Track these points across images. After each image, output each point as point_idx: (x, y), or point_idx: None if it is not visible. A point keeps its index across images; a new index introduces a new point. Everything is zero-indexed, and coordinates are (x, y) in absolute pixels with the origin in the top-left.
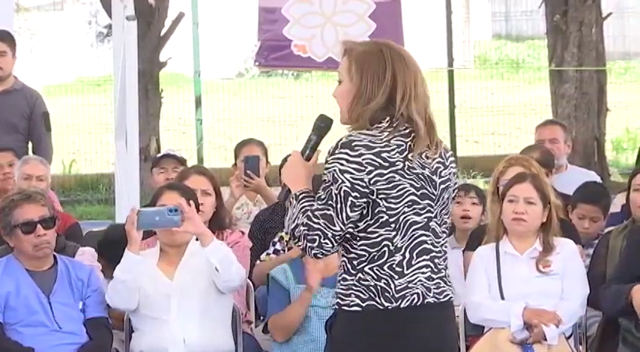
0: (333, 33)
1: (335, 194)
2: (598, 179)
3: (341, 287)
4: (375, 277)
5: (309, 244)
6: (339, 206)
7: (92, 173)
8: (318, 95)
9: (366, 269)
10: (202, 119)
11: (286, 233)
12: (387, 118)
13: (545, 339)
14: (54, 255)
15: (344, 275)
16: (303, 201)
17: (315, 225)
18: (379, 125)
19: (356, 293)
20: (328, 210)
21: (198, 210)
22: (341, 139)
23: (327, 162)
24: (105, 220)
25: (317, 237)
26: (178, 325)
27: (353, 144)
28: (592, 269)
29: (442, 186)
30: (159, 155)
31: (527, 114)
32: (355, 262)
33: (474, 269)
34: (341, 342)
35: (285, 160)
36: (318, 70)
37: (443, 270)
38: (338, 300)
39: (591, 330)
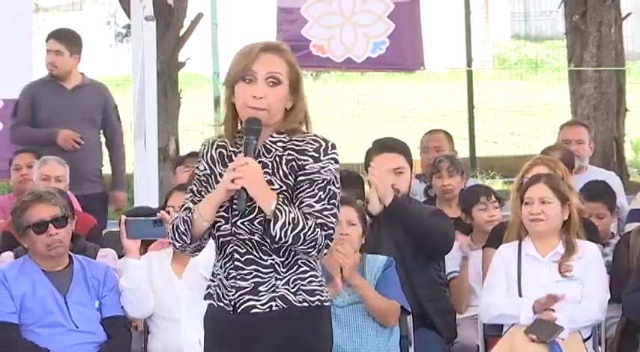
0: (352, 33)
1: (337, 193)
2: (618, 179)
3: (314, 283)
4: (322, 274)
5: (328, 242)
6: (338, 205)
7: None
8: (337, 95)
9: (318, 264)
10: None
11: (285, 242)
12: None
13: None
14: (69, 255)
15: (313, 273)
16: (290, 206)
17: (331, 224)
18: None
19: (319, 289)
20: (333, 208)
21: None
22: (325, 139)
23: (317, 161)
24: None
25: (332, 235)
26: (190, 325)
27: (335, 145)
28: (614, 268)
29: None
30: (184, 154)
31: (546, 115)
32: (314, 259)
33: (494, 270)
34: (323, 336)
35: None
36: (337, 70)
37: None
38: (318, 297)
39: (610, 332)
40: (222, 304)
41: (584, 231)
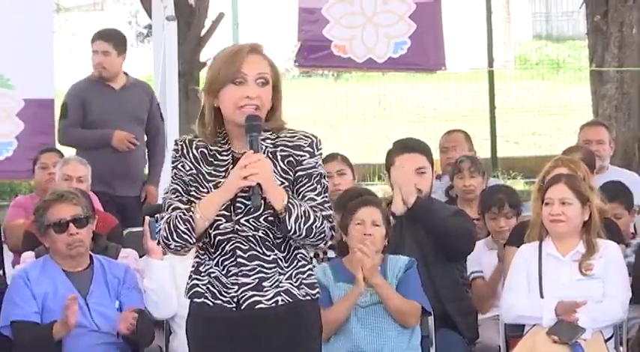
0: (373, 33)
1: (327, 186)
2: (639, 180)
3: (312, 277)
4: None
5: (332, 233)
6: (329, 197)
7: None
8: (358, 95)
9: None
10: None
11: (298, 235)
12: None
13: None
14: (90, 255)
15: (310, 266)
16: (299, 200)
17: (332, 216)
18: None
19: (316, 282)
20: (329, 201)
21: None
22: (313, 135)
23: (313, 156)
24: None
25: (334, 227)
26: None
27: (321, 140)
28: (637, 267)
29: None
30: None
31: (567, 115)
32: (308, 253)
33: (514, 270)
34: (318, 331)
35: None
36: (359, 71)
37: None
38: (317, 289)
39: (631, 333)
40: (219, 301)
41: (605, 230)
